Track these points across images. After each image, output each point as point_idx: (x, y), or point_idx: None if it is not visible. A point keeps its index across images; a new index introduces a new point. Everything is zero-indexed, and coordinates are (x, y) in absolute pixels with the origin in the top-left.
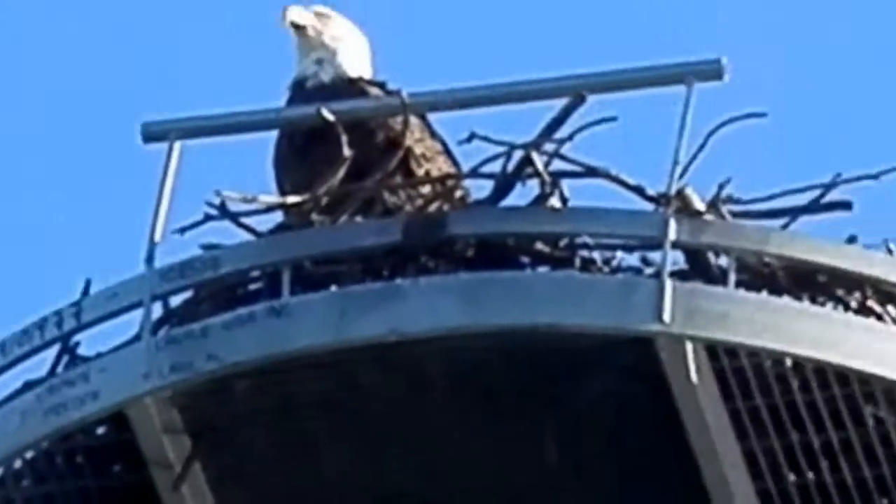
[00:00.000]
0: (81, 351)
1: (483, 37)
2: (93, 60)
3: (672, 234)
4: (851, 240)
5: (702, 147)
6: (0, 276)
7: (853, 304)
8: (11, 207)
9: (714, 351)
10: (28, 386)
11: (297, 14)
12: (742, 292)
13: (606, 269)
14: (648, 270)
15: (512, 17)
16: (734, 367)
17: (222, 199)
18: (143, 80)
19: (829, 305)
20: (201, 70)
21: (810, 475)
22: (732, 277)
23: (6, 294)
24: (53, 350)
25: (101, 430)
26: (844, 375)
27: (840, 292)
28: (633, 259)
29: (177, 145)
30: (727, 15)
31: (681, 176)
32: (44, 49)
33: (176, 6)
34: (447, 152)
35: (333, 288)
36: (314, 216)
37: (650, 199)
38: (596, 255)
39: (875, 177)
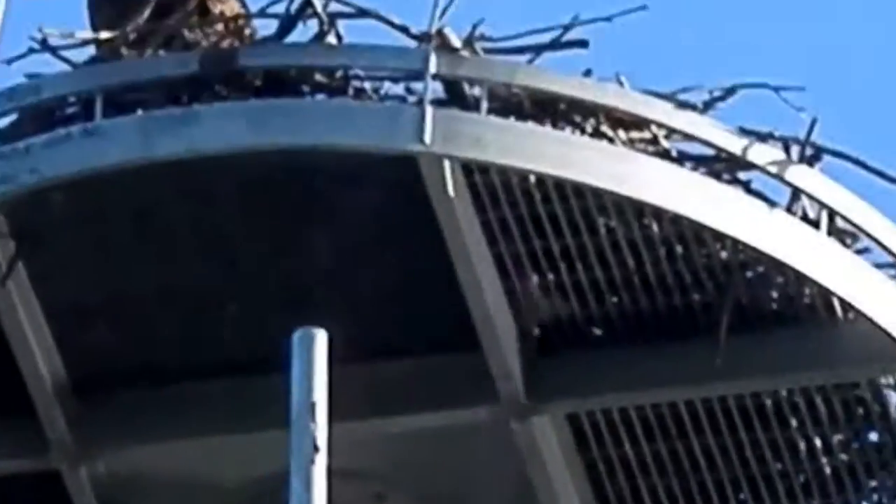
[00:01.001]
0: None
1: None
2: None
3: (433, 68)
4: (587, 73)
5: None
6: None
7: (588, 129)
8: None
9: (469, 168)
10: None
11: None
12: (493, 118)
13: (376, 97)
14: (412, 99)
15: None
16: (486, 182)
17: (44, 35)
18: None
19: (568, 130)
20: None
21: (550, 276)
22: (485, 105)
23: None
24: None
25: None
26: (580, 190)
27: (577, 119)
28: (398, 89)
29: None
30: None
31: (440, 17)
32: None
33: None
34: None
35: (140, 112)
36: (123, 50)
37: (414, 37)
38: (367, 85)
39: (608, 19)
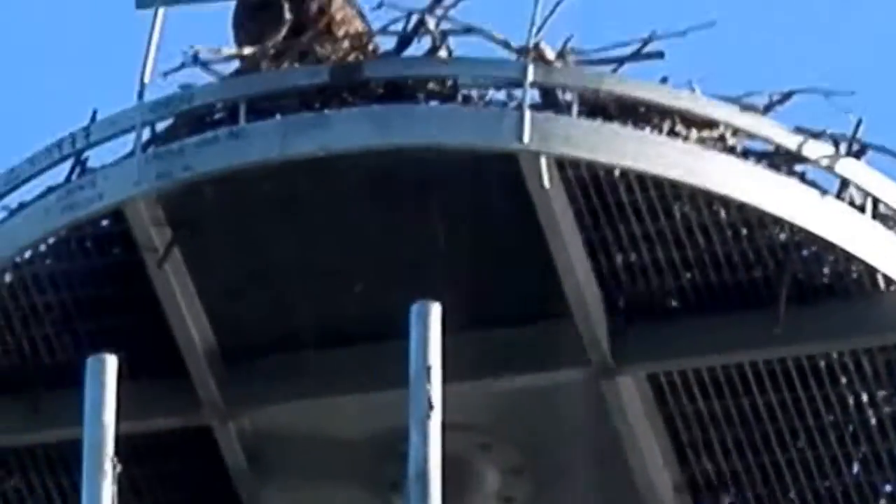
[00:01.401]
0: (90, 164)
1: None
2: None
3: (530, 77)
4: (664, 80)
5: (551, 12)
6: (29, 109)
7: (665, 129)
8: (38, 57)
9: (562, 164)
10: (50, 190)
11: None
12: (582, 120)
13: (481, 103)
14: (512, 104)
15: None
16: (576, 176)
17: (195, 52)
18: None
19: (648, 130)
20: None
21: (633, 256)
22: (575, 109)
23: (39, 121)
24: (69, 163)
25: (104, 223)
26: (658, 181)
27: (655, 120)
28: (501, 95)
29: (161, 10)
30: None
31: (536, 33)
32: None
33: None
34: (361, 16)
35: (278, 117)
36: (263, 64)
37: (514, 50)
38: (474, 92)
39: (683, 33)
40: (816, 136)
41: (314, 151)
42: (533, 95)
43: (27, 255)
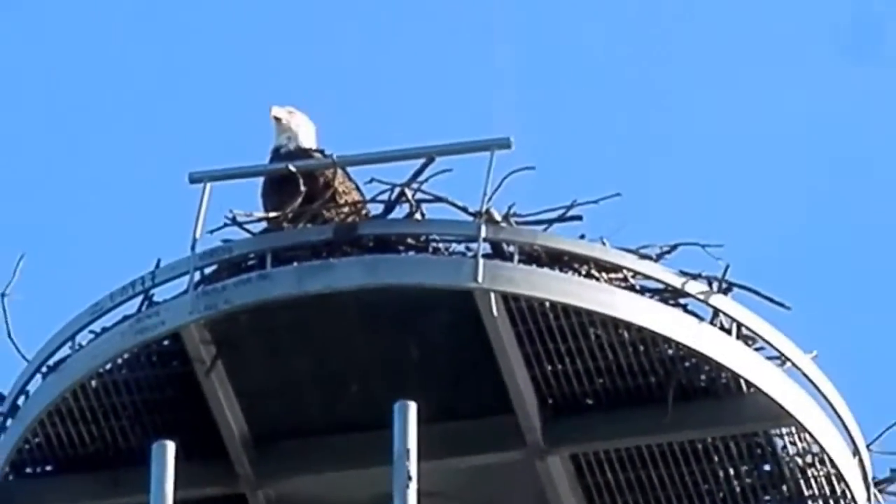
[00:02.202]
0: (155, 299)
1: (379, 126)
2: (152, 128)
3: (483, 234)
4: (581, 237)
5: (498, 186)
6: (110, 258)
7: (583, 272)
8: (118, 220)
9: (507, 298)
10: (125, 318)
11: (276, 111)
12: (522, 265)
13: (446, 252)
14: (469, 254)
15: (389, 116)
16: (517, 307)
17: (233, 215)
18: (189, 143)
19: (570, 273)
20: (221, 142)
21: (559, 366)
22: (516, 257)
23: (117, 268)
24: (139, 298)
25: (165, 343)
26: (579, 311)
27: (576, 265)
28: (461, 248)
29: (209, 185)
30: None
31: (487, 201)
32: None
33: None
34: (357, 188)
35: (295, 263)
36: (284, 224)
37: (471, 214)
38: (441, 245)
39: (595, 202)
40: (694, 277)
41: (322, 289)
42: (485, 247)
43: (108, 367)
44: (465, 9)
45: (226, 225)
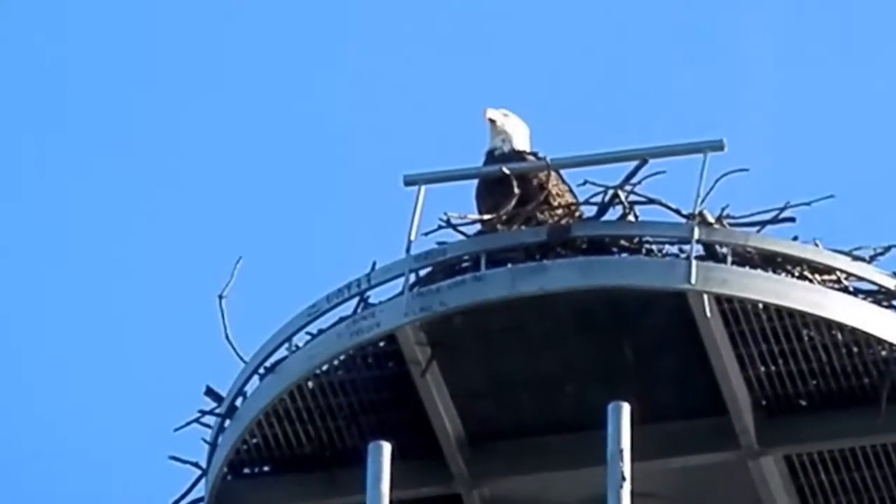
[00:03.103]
0: (371, 301)
1: (592, 128)
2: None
3: (696, 235)
4: (794, 238)
5: (711, 188)
6: (327, 262)
7: (796, 274)
8: (334, 223)
9: (719, 299)
10: (341, 320)
11: (490, 113)
12: (735, 267)
13: (659, 254)
14: (682, 256)
15: (604, 118)
16: (730, 308)
17: (448, 217)
18: (404, 146)
19: (783, 274)
20: (435, 145)
21: (772, 367)
22: (729, 259)
23: (333, 270)
24: (355, 300)
25: (381, 344)
26: (792, 313)
27: (789, 267)
28: (674, 249)
29: (423, 188)
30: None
31: (700, 203)
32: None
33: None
34: (571, 191)
35: (509, 265)
36: (498, 226)
37: (684, 216)
38: (654, 247)
39: (808, 203)
40: None
41: (536, 291)
42: (698, 249)
43: (324, 368)
44: (679, 15)
45: (440, 227)
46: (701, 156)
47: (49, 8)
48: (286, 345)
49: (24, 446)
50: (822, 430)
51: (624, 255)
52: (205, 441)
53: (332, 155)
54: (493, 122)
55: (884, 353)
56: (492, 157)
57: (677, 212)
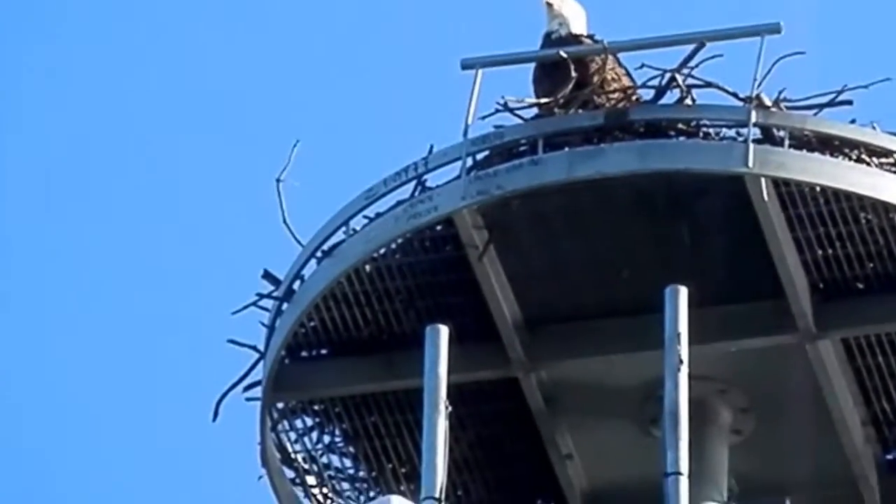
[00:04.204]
0: (428, 184)
1: (649, 11)
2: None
3: (753, 119)
4: (852, 121)
5: (768, 71)
6: (385, 145)
7: (853, 157)
8: (392, 107)
9: (777, 183)
10: (398, 203)
11: None
12: (792, 150)
13: (717, 138)
14: (740, 139)
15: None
16: (788, 192)
17: (505, 101)
18: (462, 30)
19: (840, 158)
20: (493, 28)
21: (829, 251)
22: (787, 142)
23: (390, 153)
24: (412, 184)
25: (438, 228)
26: (849, 196)
27: (846, 150)
28: (731, 133)
29: (481, 72)
30: None
31: (758, 87)
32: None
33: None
34: (628, 74)
35: (566, 149)
36: (555, 110)
37: (742, 99)
38: (711, 130)
39: (866, 86)
40: None
41: (593, 175)
42: (755, 132)
43: (381, 251)
44: None
45: (497, 111)
46: (758, 39)
47: None
48: (343, 228)
49: (81, 339)
50: (878, 312)
51: (681, 138)
52: (262, 324)
53: (390, 38)
54: (549, 5)
55: None
56: (549, 40)
57: (734, 95)
